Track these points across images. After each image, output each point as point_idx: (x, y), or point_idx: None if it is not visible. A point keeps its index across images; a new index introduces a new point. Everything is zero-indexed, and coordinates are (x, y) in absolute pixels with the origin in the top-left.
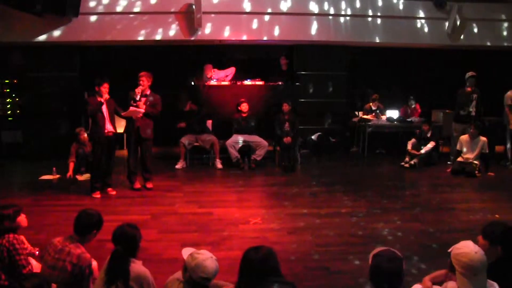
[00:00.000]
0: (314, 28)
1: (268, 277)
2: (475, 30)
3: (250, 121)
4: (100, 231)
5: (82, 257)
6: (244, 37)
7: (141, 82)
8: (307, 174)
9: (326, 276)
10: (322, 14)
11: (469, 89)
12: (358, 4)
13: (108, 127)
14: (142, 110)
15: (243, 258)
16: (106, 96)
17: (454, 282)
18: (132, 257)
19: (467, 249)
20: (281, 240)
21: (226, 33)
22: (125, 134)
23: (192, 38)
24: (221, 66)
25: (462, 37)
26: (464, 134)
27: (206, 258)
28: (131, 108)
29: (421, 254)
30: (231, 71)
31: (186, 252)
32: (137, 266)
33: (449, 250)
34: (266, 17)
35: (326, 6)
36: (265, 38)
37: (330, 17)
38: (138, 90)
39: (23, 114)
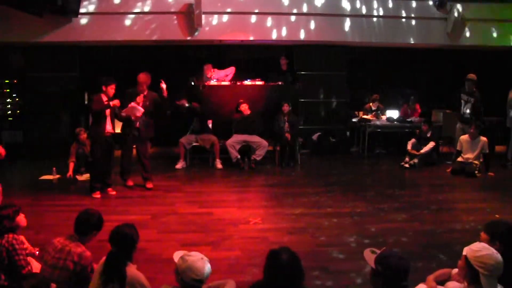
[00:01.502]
0: (314, 28)
1: (295, 279)
2: (475, 30)
3: (250, 121)
4: (101, 231)
5: (84, 255)
6: (244, 37)
7: (141, 89)
8: (307, 174)
9: (326, 276)
10: (322, 14)
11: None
12: (358, 5)
13: (108, 127)
14: (142, 109)
15: (272, 259)
16: (116, 102)
17: (456, 282)
18: (128, 260)
19: (488, 250)
20: (281, 240)
21: (226, 33)
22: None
23: (192, 38)
24: (221, 66)
25: (462, 37)
26: (464, 134)
27: (197, 259)
28: (131, 104)
29: (421, 254)
30: (231, 70)
31: (177, 255)
32: (132, 270)
33: (463, 253)
34: (266, 17)
35: (325, 6)
36: (265, 38)
37: (330, 17)
38: (140, 99)
39: (23, 114)
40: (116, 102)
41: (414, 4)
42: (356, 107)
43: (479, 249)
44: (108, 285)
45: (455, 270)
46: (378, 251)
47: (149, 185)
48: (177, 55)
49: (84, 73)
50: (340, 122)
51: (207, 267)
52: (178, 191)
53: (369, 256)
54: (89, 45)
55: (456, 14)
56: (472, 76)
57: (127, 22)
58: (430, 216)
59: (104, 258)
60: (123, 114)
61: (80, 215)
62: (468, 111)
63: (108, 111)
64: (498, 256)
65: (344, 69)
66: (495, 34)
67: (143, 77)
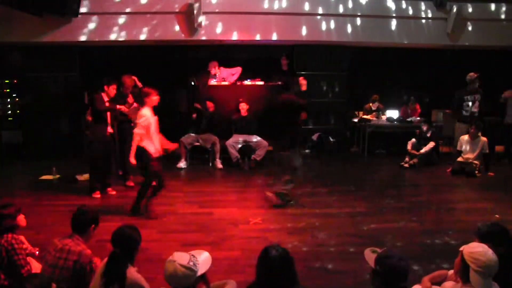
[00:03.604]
0: (314, 28)
1: (285, 276)
2: (475, 30)
3: (250, 121)
4: (100, 230)
5: (83, 254)
6: (244, 37)
7: (127, 91)
8: (307, 174)
9: (326, 276)
10: (322, 14)
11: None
12: (358, 4)
13: (108, 127)
14: None
15: (262, 256)
16: (124, 108)
17: (452, 282)
18: (129, 262)
19: (483, 248)
20: (281, 240)
21: (226, 33)
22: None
23: (192, 38)
24: (221, 66)
25: (462, 37)
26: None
27: (173, 269)
28: (134, 106)
29: (421, 254)
30: (237, 70)
31: (177, 255)
32: (132, 272)
33: (460, 249)
34: (266, 17)
35: (326, 6)
36: (265, 38)
37: (330, 17)
38: (131, 99)
39: (23, 114)
40: (122, 107)
41: (413, 4)
42: (356, 107)
43: (475, 247)
44: (109, 287)
45: (452, 272)
46: (379, 251)
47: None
48: (177, 55)
49: (84, 73)
50: (340, 122)
51: (178, 275)
52: (178, 191)
53: (370, 255)
54: (89, 45)
55: (456, 14)
56: (477, 74)
57: (127, 22)
58: (430, 216)
59: (106, 259)
60: (128, 112)
61: (74, 214)
62: (477, 109)
63: (108, 112)
64: (493, 256)
65: (344, 69)
66: (495, 34)
67: (130, 81)
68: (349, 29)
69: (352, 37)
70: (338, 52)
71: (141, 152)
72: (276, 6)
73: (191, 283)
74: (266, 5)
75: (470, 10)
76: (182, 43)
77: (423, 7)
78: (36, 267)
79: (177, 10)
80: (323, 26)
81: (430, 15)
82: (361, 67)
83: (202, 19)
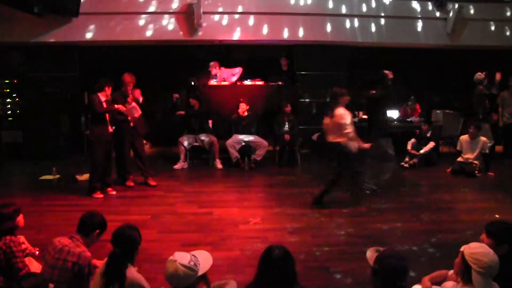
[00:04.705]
0: (314, 28)
1: (286, 276)
2: (475, 30)
3: (250, 121)
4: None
5: (82, 255)
6: (244, 37)
7: (128, 89)
8: (307, 174)
9: (326, 276)
10: (323, 14)
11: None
12: (358, 4)
13: (108, 128)
14: (140, 111)
15: (264, 254)
16: (122, 107)
17: (453, 282)
18: (129, 262)
19: (484, 249)
20: (281, 240)
21: (226, 33)
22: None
23: (192, 38)
24: (226, 66)
25: (462, 37)
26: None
27: (173, 269)
28: (131, 105)
29: (421, 254)
30: (238, 70)
31: (178, 255)
32: (132, 272)
33: (461, 250)
34: (266, 17)
35: (326, 6)
36: (265, 38)
37: (331, 17)
38: (131, 99)
39: (23, 114)
40: (120, 106)
41: (414, 4)
42: (356, 107)
43: (476, 247)
44: (109, 287)
45: (452, 272)
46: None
47: (153, 182)
48: (177, 55)
49: (84, 73)
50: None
51: (179, 274)
52: (178, 191)
53: (372, 254)
54: (89, 45)
55: (456, 14)
56: (484, 74)
57: (127, 22)
58: (430, 216)
59: (106, 258)
60: (125, 112)
61: (83, 215)
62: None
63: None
64: (494, 256)
65: (344, 69)
66: (495, 34)
67: (130, 78)
68: (350, 29)
69: (353, 37)
70: (338, 52)
71: (340, 149)
72: (276, 6)
73: (191, 283)
74: (266, 5)
75: (470, 10)
76: (182, 43)
77: (422, 7)
78: (36, 267)
79: (177, 10)
80: (325, 27)
81: (430, 15)
82: (361, 67)
83: (202, 19)
